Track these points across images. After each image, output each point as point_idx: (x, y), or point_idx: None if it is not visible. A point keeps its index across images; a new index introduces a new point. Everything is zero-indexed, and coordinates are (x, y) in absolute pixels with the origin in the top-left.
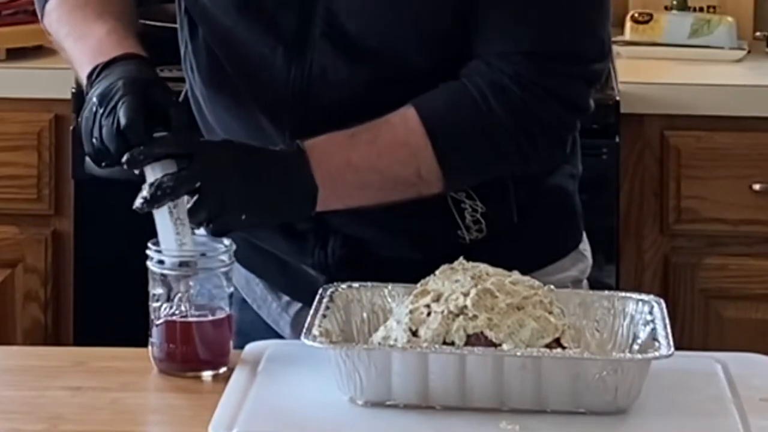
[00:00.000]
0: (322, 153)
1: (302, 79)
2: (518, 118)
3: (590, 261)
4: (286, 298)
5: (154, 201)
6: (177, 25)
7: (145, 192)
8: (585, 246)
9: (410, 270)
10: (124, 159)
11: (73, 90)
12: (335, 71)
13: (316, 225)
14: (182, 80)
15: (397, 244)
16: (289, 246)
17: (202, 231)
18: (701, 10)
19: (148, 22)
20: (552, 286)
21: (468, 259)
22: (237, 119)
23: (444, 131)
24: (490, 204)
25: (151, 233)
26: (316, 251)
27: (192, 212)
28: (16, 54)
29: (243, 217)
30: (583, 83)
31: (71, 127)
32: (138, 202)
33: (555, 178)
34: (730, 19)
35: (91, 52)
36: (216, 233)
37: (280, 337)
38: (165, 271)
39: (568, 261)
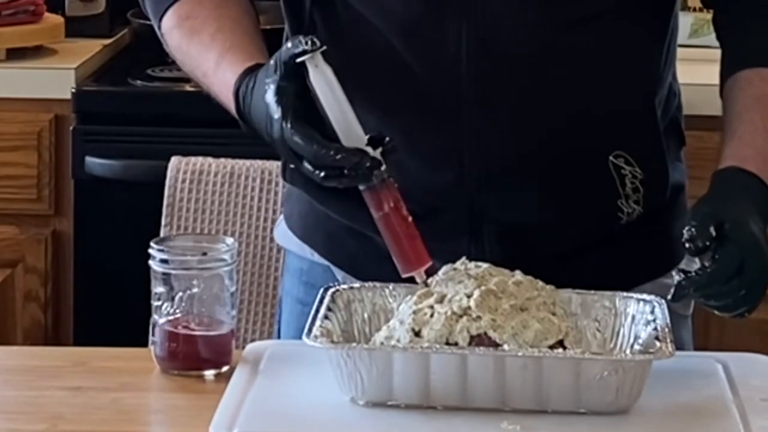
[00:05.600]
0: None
1: (477, 32)
2: None
3: None
4: None
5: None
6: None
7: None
8: None
9: (564, 259)
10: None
11: (73, 90)
12: (512, 16)
13: (469, 218)
14: (184, 80)
15: (554, 218)
16: (443, 246)
17: None
18: (701, 10)
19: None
20: (553, 287)
21: (622, 239)
22: (394, 88)
23: None
24: (648, 172)
25: (151, 233)
26: (471, 248)
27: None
28: (16, 54)
29: None
30: None
31: (71, 127)
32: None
33: (681, 176)
34: None
35: (222, 90)
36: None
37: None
38: (167, 270)
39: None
